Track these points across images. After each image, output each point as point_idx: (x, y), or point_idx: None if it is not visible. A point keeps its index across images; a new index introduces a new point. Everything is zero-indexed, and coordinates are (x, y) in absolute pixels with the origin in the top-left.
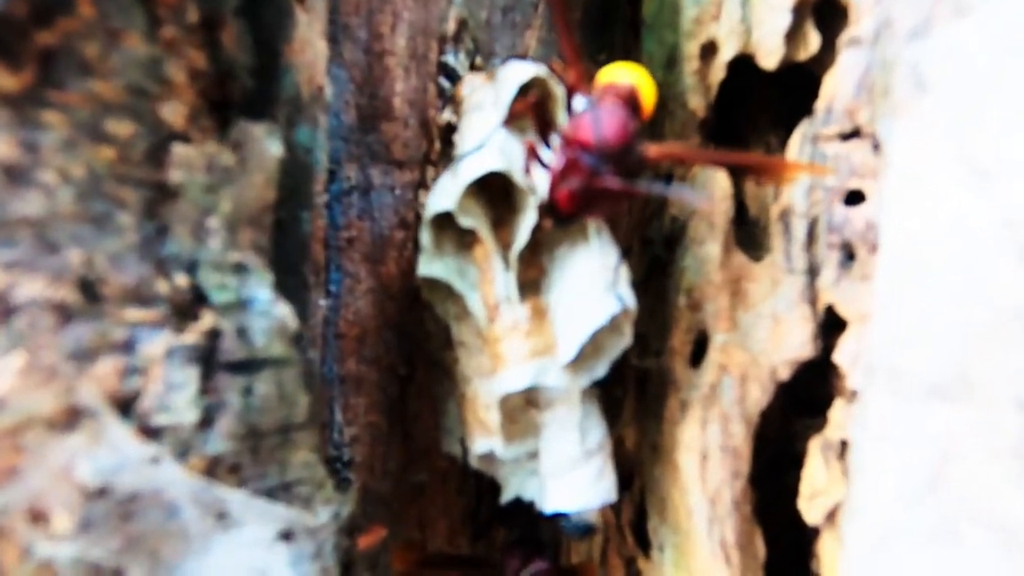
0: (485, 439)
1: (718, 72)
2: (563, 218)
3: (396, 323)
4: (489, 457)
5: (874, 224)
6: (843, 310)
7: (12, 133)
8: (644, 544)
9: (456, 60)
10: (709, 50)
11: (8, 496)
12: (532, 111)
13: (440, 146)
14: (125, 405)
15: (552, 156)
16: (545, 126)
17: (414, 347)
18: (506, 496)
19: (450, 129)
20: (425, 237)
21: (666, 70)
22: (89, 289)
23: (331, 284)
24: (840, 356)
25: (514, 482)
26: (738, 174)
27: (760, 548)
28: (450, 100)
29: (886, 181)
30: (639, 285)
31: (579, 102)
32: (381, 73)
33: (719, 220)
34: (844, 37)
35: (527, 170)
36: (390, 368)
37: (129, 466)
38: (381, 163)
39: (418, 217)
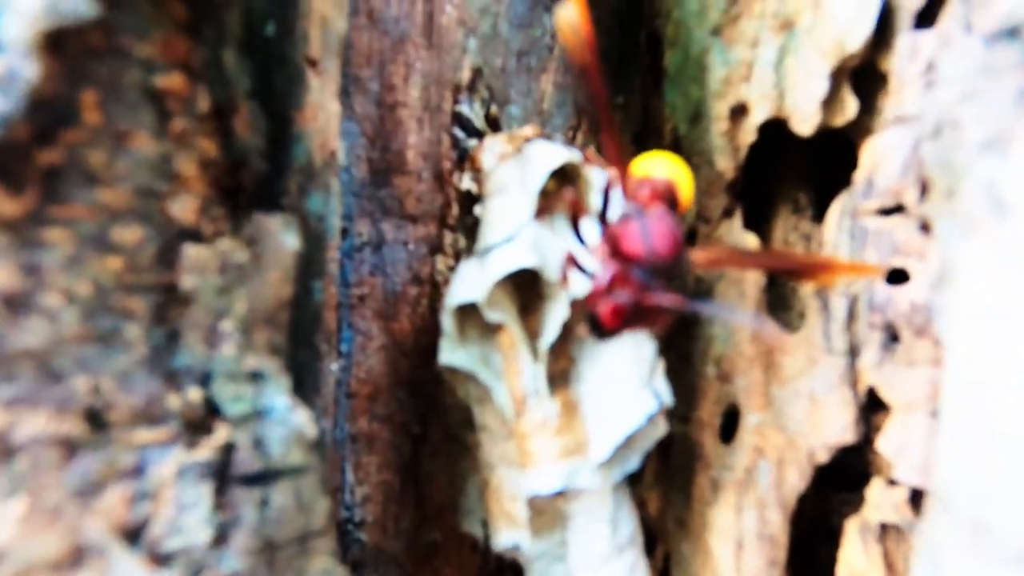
0: (511, 531)
1: (748, 135)
2: (605, 333)
3: (409, 381)
4: (514, 548)
5: (920, 306)
6: (887, 395)
7: (12, 258)
8: None
9: (471, 110)
10: (739, 112)
11: None
12: (568, 208)
13: (458, 212)
14: (134, 534)
15: (596, 266)
16: (578, 224)
17: (428, 405)
18: None
19: (470, 198)
20: (447, 324)
21: (691, 124)
22: (96, 418)
23: (342, 343)
24: (884, 445)
25: (538, 567)
26: (782, 275)
27: None
28: (469, 164)
29: (954, 297)
30: (660, 342)
31: (617, 203)
32: (393, 126)
33: (749, 288)
34: (889, 110)
35: (564, 278)
36: (403, 426)
37: None
38: (394, 217)
39: (432, 278)
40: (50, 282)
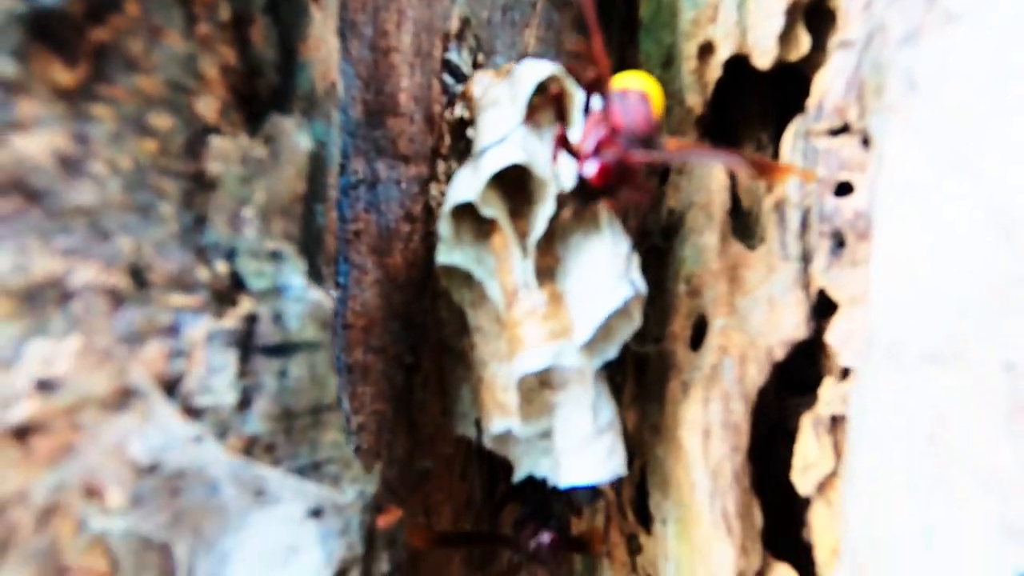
0: (502, 419)
1: (715, 71)
2: (592, 195)
3: (402, 313)
4: (505, 437)
5: (862, 214)
6: (834, 293)
7: (66, 126)
8: (644, 521)
9: (459, 57)
10: (706, 50)
11: (65, 472)
12: (553, 103)
13: (451, 141)
14: (170, 386)
15: (581, 138)
16: (564, 119)
17: (420, 337)
18: (519, 474)
19: (462, 124)
20: (444, 227)
21: (663, 69)
22: (138, 275)
23: (339, 276)
24: (832, 336)
25: (527, 461)
26: (739, 170)
27: (758, 518)
28: (460, 97)
29: (880, 174)
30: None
31: (596, 102)
32: (387, 69)
33: (716, 211)
34: (835, 40)
35: (554, 157)
36: (396, 357)
37: (175, 445)
38: (387, 157)
39: (426, 210)
40: (97, 152)
